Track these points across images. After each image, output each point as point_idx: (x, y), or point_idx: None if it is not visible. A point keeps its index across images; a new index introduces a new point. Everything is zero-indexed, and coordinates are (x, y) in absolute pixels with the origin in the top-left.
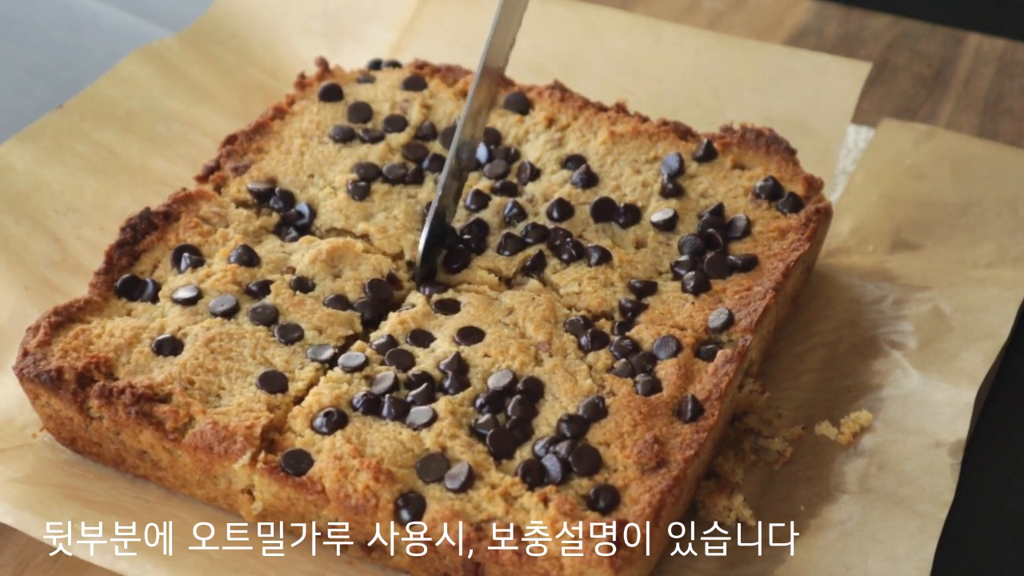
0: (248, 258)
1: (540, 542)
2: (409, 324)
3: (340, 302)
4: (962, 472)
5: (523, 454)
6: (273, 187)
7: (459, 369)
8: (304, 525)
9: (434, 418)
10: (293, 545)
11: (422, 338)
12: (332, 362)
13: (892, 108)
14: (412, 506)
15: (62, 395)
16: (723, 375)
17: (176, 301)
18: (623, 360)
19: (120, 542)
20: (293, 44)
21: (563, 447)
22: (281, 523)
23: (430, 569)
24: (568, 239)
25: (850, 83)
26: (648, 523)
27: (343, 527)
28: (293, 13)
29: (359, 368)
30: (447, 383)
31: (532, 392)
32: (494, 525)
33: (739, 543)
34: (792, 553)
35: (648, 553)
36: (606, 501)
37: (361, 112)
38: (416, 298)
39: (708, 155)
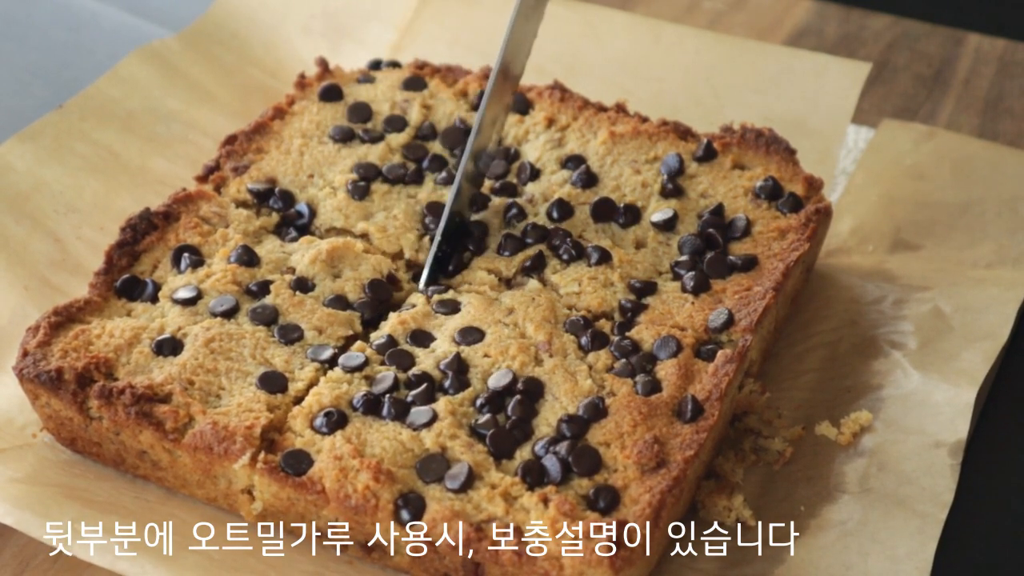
0: (248, 258)
1: (540, 542)
2: (409, 324)
3: (340, 302)
4: (962, 472)
5: (523, 454)
6: (273, 187)
7: (459, 369)
8: (304, 525)
9: (434, 418)
10: (293, 545)
11: (422, 338)
12: (332, 362)
13: (892, 108)
14: (412, 506)
15: (62, 395)
16: (723, 375)
17: (176, 301)
18: (623, 360)
19: (120, 542)
20: (293, 44)
21: (563, 447)
22: (281, 523)
23: (430, 569)
24: (568, 239)
25: (850, 83)
26: (648, 523)
27: (343, 527)
28: (293, 13)
29: (359, 368)
30: (447, 383)
31: (532, 392)
32: (494, 525)
33: (739, 543)
34: (792, 553)
35: (648, 553)
36: (606, 501)
37: (361, 112)
38: (416, 298)
39: (708, 155)
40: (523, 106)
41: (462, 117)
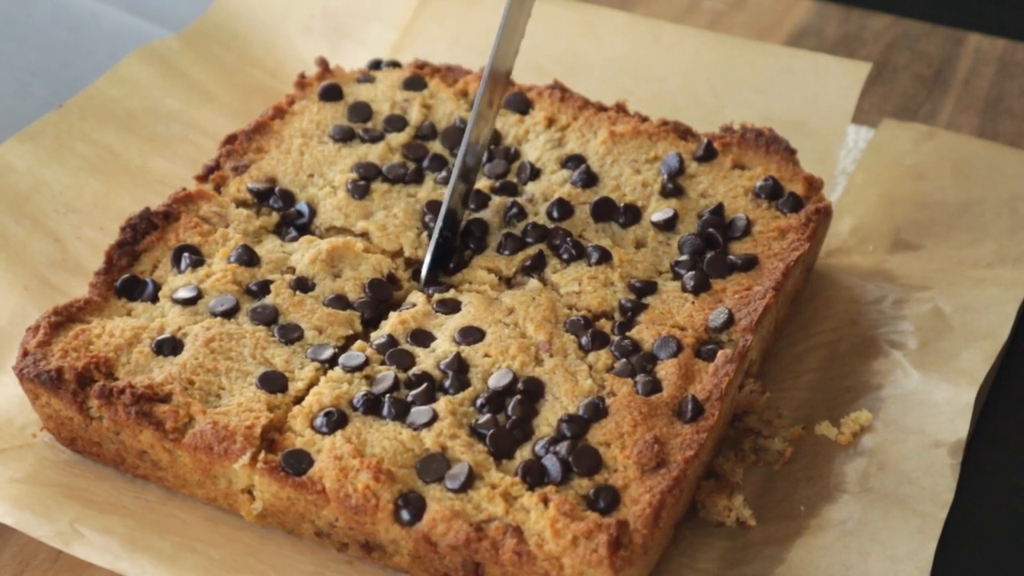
0: (248, 258)
1: (540, 542)
2: (409, 324)
3: (340, 302)
4: (962, 472)
5: (523, 454)
6: (273, 187)
7: (459, 369)
8: (304, 525)
9: (434, 418)
10: (293, 545)
11: (422, 338)
12: (332, 362)
13: (892, 108)
14: (412, 506)
15: (62, 395)
16: (723, 375)
17: (176, 301)
18: (623, 360)
19: (120, 542)
20: (293, 44)
21: (563, 447)
22: (281, 523)
23: (430, 569)
24: (568, 239)
25: (850, 83)
26: (648, 523)
27: (343, 527)
28: (293, 13)
29: (359, 368)
30: (447, 383)
31: (532, 392)
32: (494, 525)
33: (739, 543)
34: (792, 553)
35: (648, 553)
36: (606, 501)
37: (361, 112)
38: (416, 298)
39: (708, 155)
40: (523, 106)
41: (462, 117)
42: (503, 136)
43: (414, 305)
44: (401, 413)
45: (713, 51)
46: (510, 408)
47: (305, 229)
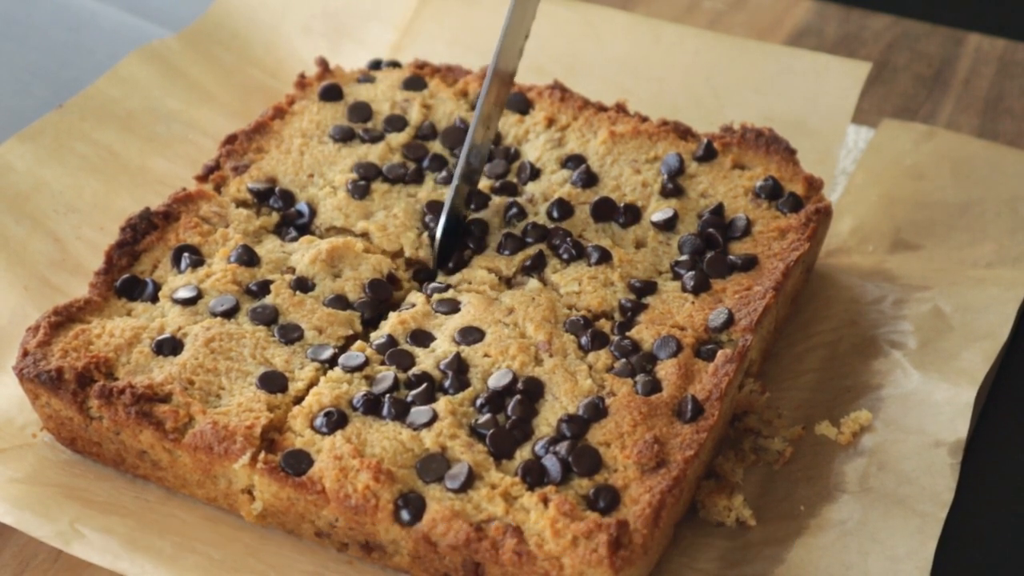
0: (248, 258)
1: (540, 542)
2: (409, 324)
3: (340, 302)
4: (962, 472)
5: (523, 454)
6: (273, 187)
7: (459, 369)
8: (304, 525)
9: (434, 418)
10: (293, 545)
11: (422, 338)
12: (332, 362)
13: (892, 108)
14: (412, 506)
15: (62, 395)
16: (723, 375)
17: (176, 301)
18: (623, 360)
19: (120, 542)
20: (293, 44)
21: (563, 447)
22: (281, 523)
23: (430, 569)
24: (568, 239)
25: (850, 83)
26: (648, 523)
27: (343, 527)
28: (293, 13)
29: (359, 368)
30: (447, 383)
31: (532, 392)
32: (494, 525)
33: (739, 543)
34: (792, 553)
35: (648, 553)
36: (606, 501)
37: (361, 112)
38: (416, 298)
39: (708, 155)
40: (523, 106)
41: (462, 117)
42: (503, 136)
43: (414, 305)
44: (401, 413)
45: (713, 51)
46: (510, 408)
47: (305, 229)
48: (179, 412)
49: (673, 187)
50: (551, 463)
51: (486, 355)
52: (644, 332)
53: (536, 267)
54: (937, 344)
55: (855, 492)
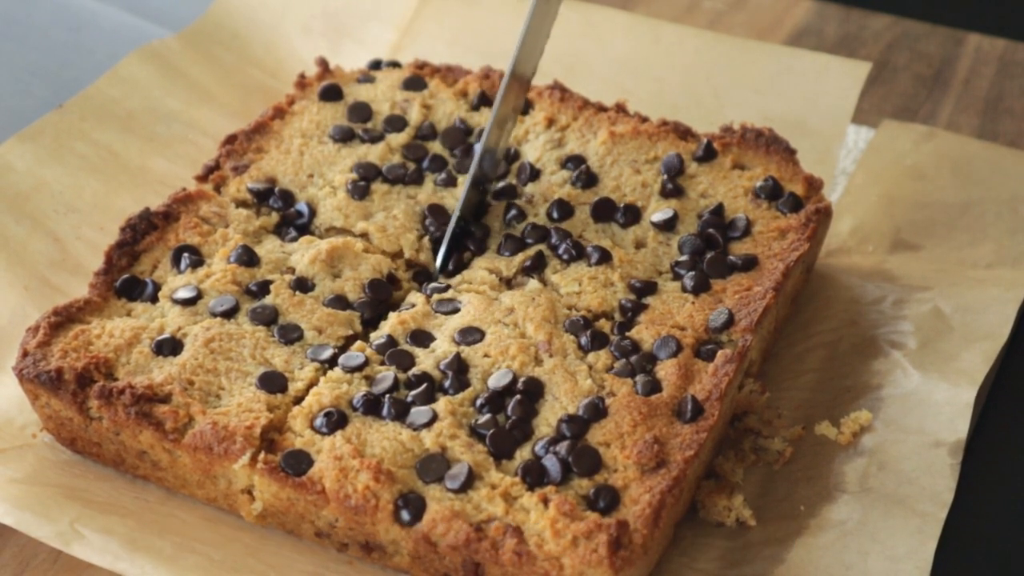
0: (248, 258)
1: (540, 542)
2: (409, 324)
3: (340, 302)
4: (962, 472)
5: (523, 454)
6: (273, 187)
7: (459, 369)
8: (304, 525)
9: (434, 418)
10: (293, 545)
11: (422, 338)
12: (332, 362)
13: (892, 108)
14: (412, 506)
15: (62, 395)
16: (723, 375)
17: (176, 301)
18: (623, 360)
19: (120, 542)
20: (293, 44)
21: (563, 447)
22: (281, 523)
23: (430, 569)
24: (568, 239)
25: (850, 83)
26: (648, 523)
27: (343, 527)
28: (293, 13)
29: (359, 368)
30: (447, 383)
31: (532, 392)
32: (494, 525)
33: (739, 543)
34: (792, 553)
35: (648, 553)
36: (606, 501)
37: (361, 112)
38: (416, 298)
39: (708, 155)
40: (523, 106)
41: (462, 117)
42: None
43: (413, 305)
44: (401, 413)
45: (713, 51)
46: (510, 408)
47: (305, 229)
48: (179, 412)
49: (673, 187)
50: (551, 463)
51: (486, 355)
52: (644, 332)
53: (536, 267)
54: (937, 344)
55: (855, 492)
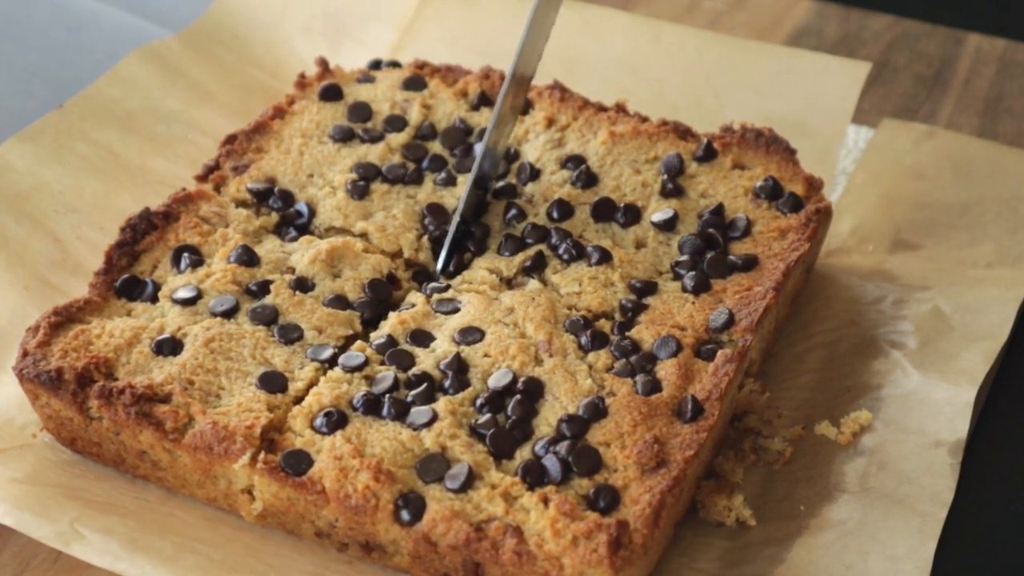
0: (248, 258)
1: (540, 542)
2: (409, 324)
3: (340, 302)
4: (962, 472)
5: (523, 454)
6: (272, 187)
7: (459, 369)
8: (304, 525)
9: (434, 418)
10: (293, 545)
11: (422, 338)
12: (332, 362)
13: (892, 108)
14: (412, 506)
15: (62, 395)
16: (723, 375)
17: (176, 301)
18: (623, 360)
19: (120, 542)
20: (293, 44)
21: (563, 447)
22: (281, 523)
23: (430, 569)
24: (568, 239)
25: (850, 83)
26: (648, 523)
27: (343, 527)
28: (293, 13)
29: (359, 368)
30: (447, 383)
31: (532, 392)
32: (494, 525)
33: (739, 543)
34: (792, 553)
35: (648, 553)
36: (606, 501)
37: (361, 112)
38: (416, 298)
39: (708, 155)
40: (523, 106)
41: (462, 117)
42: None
43: (413, 305)
44: (401, 413)
45: (713, 51)
46: (510, 408)
47: (305, 229)
48: (179, 412)
49: (673, 187)
50: (551, 463)
51: (486, 355)
52: (644, 332)
53: (536, 267)
54: (937, 344)
55: (855, 492)
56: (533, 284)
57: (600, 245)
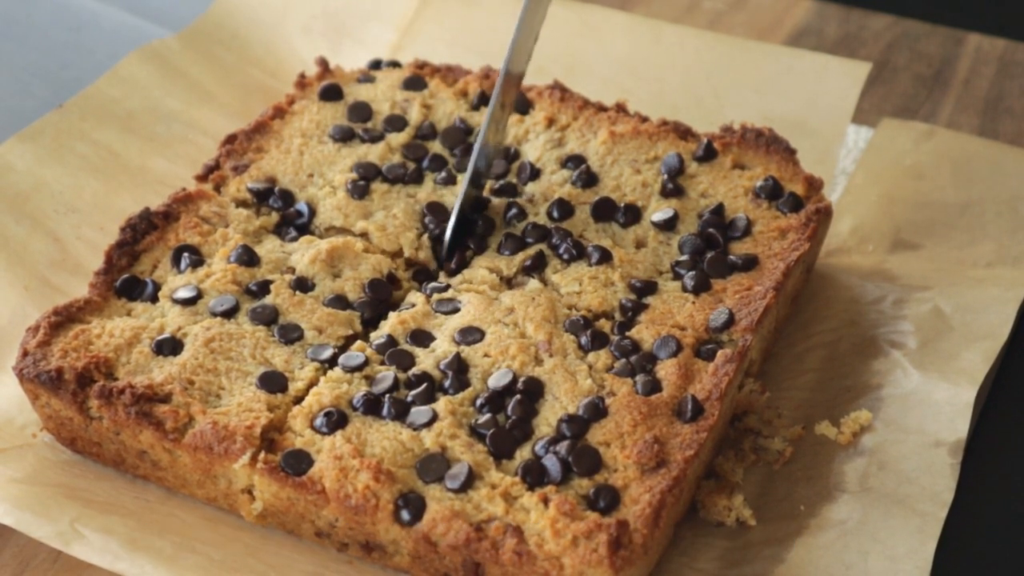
0: (248, 258)
1: (540, 542)
2: (409, 324)
3: (340, 302)
4: (962, 472)
5: (523, 454)
6: (273, 186)
7: (459, 369)
8: (304, 525)
9: (434, 418)
10: (293, 545)
11: (422, 338)
12: (332, 362)
13: (892, 108)
14: (412, 506)
15: (62, 395)
16: (723, 375)
17: (176, 301)
18: (623, 360)
19: (120, 542)
20: (293, 44)
21: (563, 447)
22: (281, 523)
23: (430, 569)
24: (568, 239)
25: (850, 83)
26: (648, 523)
27: (343, 527)
28: (293, 13)
29: (359, 368)
30: (447, 383)
31: (532, 392)
32: (494, 525)
33: (739, 543)
34: (792, 553)
35: (648, 553)
36: (606, 501)
37: (361, 112)
38: (416, 298)
39: (708, 155)
40: (523, 106)
41: (462, 117)
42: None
43: (414, 305)
44: (401, 413)
45: (713, 51)
46: (510, 408)
47: (305, 229)
48: (179, 412)
49: (673, 187)
50: (551, 463)
51: (486, 355)
52: (644, 332)
53: (536, 267)
54: (937, 344)
55: (855, 492)
56: (533, 284)
57: (600, 245)
